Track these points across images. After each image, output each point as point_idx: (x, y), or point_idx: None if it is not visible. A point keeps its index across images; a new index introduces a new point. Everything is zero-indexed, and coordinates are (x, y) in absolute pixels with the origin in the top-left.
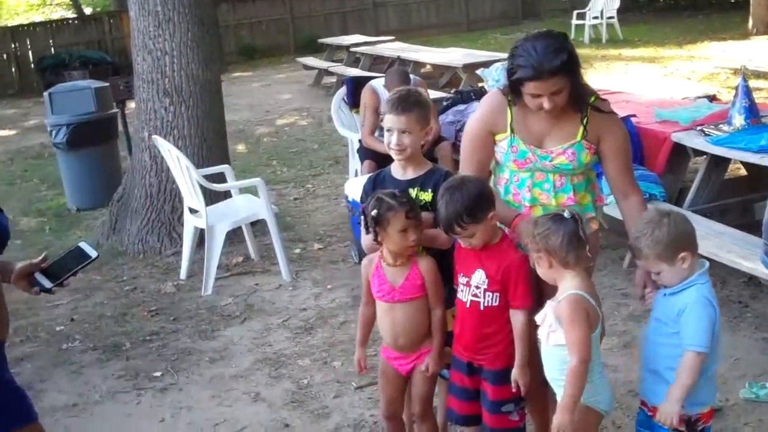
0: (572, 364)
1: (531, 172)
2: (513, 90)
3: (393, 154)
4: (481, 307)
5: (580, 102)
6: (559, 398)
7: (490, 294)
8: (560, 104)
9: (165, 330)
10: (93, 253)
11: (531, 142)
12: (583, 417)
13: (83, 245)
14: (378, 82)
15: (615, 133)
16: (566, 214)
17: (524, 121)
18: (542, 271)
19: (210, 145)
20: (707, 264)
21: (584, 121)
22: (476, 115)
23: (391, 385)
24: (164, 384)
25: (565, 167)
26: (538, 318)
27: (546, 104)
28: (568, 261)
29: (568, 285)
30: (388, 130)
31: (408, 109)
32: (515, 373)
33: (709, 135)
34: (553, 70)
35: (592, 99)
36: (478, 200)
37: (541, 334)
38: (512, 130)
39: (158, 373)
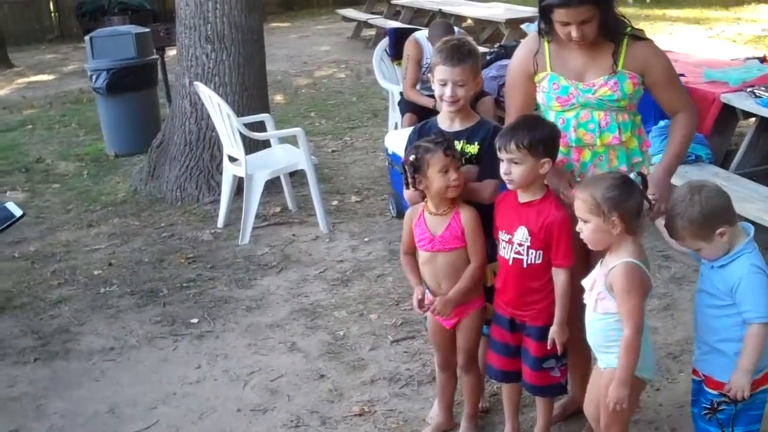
0: (627, 334)
1: (576, 111)
2: (543, 19)
3: (445, 107)
4: (524, 265)
5: (614, 32)
6: (601, 364)
7: (534, 252)
8: (589, 35)
9: (202, 277)
10: (18, 212)
11: (571, 77)
12: (632, 386)
13: (9, 205)
14: (422, 34)
15: (656, 63)
16: (633, 176)
17: (561, 57)
18: (596, 235)
19: (250, 93)
20: (753, 229)
21: (621, 51)
22: (513, 60)
23: (438, 337)
24: (200, 331)
25: (609, 98)
26: (586, 283)
27: (574, 33)
28: (633, 227)
29: (623, 252)
30: (442, 82)
31: (462, 60)
32: (553, 331)
33: (759, 97)
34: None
35: (628, 29)
36: (549, 138)
37: (588, 299)
38: (551, 68)
39: (195, 320)
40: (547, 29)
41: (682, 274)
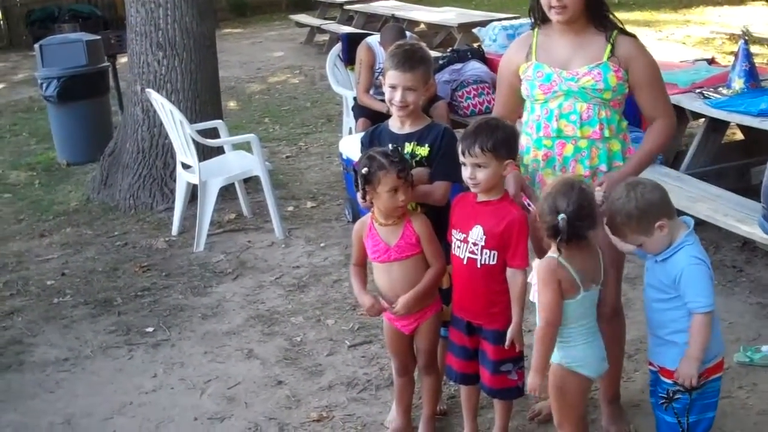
0: (538, 326)
1: (559, 101)
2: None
3: (395, 111)
4: (478, 265)
5: (599, 15)
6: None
7: (488, 252)
8: (571, 7)
9: (157, 286)
10: None
11: (555, 65)
12: (566, 380)
13: None
14: (374, 39)
15: (641, 60)
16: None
17: (548, 46)
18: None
19: (203, 100)
20: (692, 222)
21: (610, 39)
22: (504, 55)
23: (396, 343)
24: (156, 340)
25: (592, 88)
26: (531, 276)
27: (554, 1)
28: None
29: (552, 248)
30: (392, 87)
31: (414, 67)
32: (511, 332)
33: (708, 98)
34: None
35: (619, 26)
36: (510, 139)
37: (530, 292)
38: (536, 57)
39: (150, 329)
40: (537, 16)
41: (635, 274)
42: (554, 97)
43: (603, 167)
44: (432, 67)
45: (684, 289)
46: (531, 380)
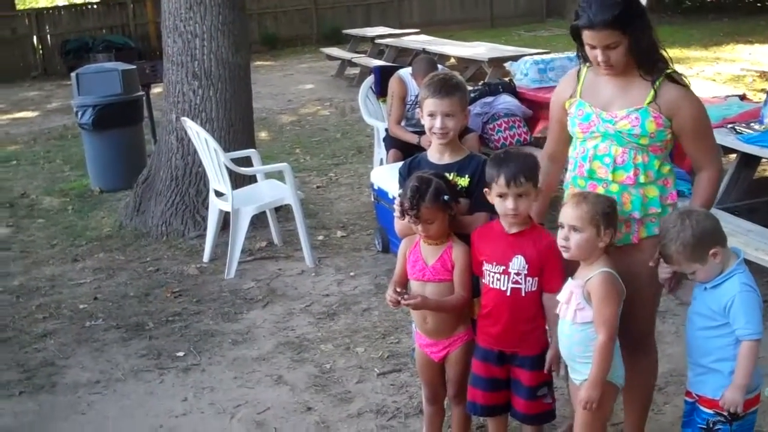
0: (602, 340)
1: (596, 142)
2: (575, 39)
3: (435, 139)
4: (523, 294)
5: (646, 64)
6: (577, 378)
7: (531, 279)
8: (616, 61)
9: (188, 311)
10: None
11: (597, 105)
12: (605, 391)
13: None
14: (406, 72)
15: (686, 109)
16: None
17: (594, 85)
18: (585, 245)
19: (237, 129)
20: (742, 252)
21: (655, 86)
22: (555, 89)
23: (427, 371)
24: (187, 364)
25: (628, 132)
26: (562, 296)
27: (600, 57)
28: (613, 243)
29: (600, 263)
30: (431, 115)
31: (450, 92)
32: (550, 357)
33: (740, 133)
34: (605, 23)
35: (668, 70)
36: (537, 167)
37: (564, 312)
38: (581, 94)
39: (181, 353)
40: (581, 53)
41: (665, 307)
42: (591, 137)
43: (636, 214)
44: (467, 94)
45: (734, 316)
46: (592, 393)
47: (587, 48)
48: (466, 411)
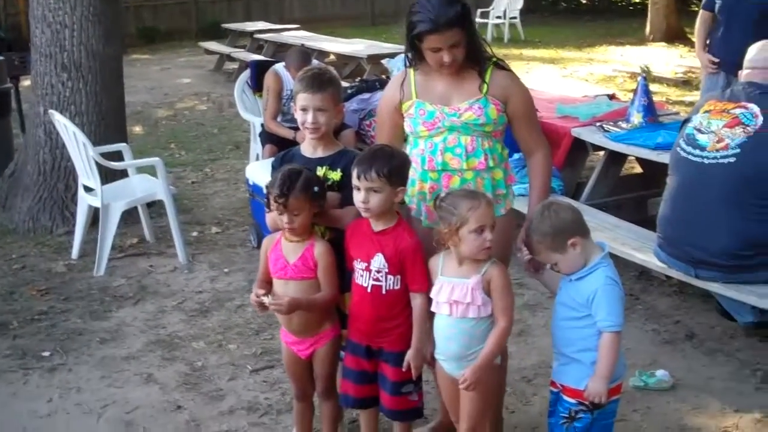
0: (503, 326)
1: (443, 135)
2: (413, 47)
3: (307, 134)
4: (383, 291)
5: (479, 57)
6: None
7: (392, 277)
8: (459, 58)
9: (55, 310)
10: None
11: (437, 102)
12: (495, 374)
13: None
14: (281, 66)
15: (517, 93)
16: None
17: (427, 85)
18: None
19: (108, 122)
20: (607, 245)
21: (485, 77)
22: (383, 94)
23: (294, 368)
24: (53, 364)
25: (474, 122)
26: (462, 297)
27: (446, 57)
28: None
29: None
30: (303, 109)
31: (323, 87)
32: (410, 355)
33: (607, 131)
34: (449, 22)
35: (493, 59)
36: (404, 167)
37: (465, 311)
38: (416, 95)
39: (47, 353)
40: (414, 58)
41: (535, 301)
42: (438, 133)
43: (488, 196)
44: (341, 89)
45: (596, 308)
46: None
47: (429, 53)
48: (338, 404)
